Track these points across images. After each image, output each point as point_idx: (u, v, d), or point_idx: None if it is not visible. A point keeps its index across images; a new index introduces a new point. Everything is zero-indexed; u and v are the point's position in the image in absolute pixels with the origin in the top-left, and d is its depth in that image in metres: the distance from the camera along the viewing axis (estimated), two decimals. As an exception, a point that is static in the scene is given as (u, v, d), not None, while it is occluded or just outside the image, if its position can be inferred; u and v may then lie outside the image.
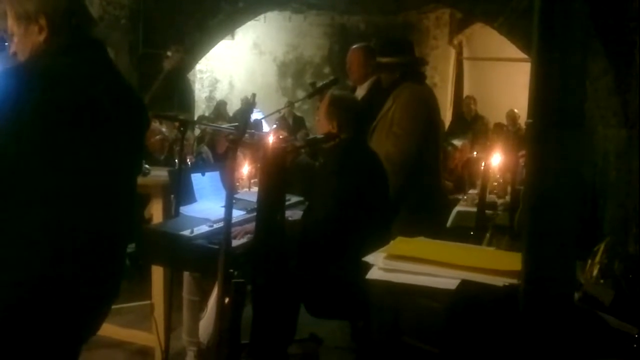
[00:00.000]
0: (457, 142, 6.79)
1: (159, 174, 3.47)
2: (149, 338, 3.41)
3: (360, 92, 3.84)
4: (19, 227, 1.53)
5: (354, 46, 3.97)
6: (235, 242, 2.65)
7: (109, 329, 3.37)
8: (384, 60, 3.65)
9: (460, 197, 5.52)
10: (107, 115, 1.62)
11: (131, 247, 4.89)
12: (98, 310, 1.73)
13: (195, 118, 8.54)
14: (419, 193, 3.48)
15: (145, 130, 1.89)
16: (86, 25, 1.71)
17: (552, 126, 1.43)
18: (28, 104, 1.49)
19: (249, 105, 2.61)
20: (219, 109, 9.94)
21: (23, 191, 1.53)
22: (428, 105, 3.59)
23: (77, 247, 1.59)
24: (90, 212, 1.62)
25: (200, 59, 8.52)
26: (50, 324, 1.57)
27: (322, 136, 2.84)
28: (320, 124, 3.00)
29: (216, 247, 2.51)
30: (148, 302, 3.43)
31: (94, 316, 1.73)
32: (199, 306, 3.28)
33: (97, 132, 1.60)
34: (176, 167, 3.29)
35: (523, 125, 7.76)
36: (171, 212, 3.13)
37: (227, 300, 2.35)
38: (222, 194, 3.11)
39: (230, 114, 9.82)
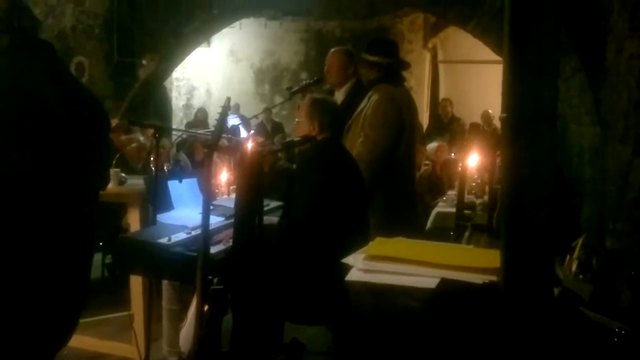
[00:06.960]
0: (434, 144, 6.82)
1: (135, 183, 3.42)
2: (129, 349, 3.36)
3: (339, 96, 3.81)
4: None
5: (334, 49, 3.94)
6: (214, 249, 2.62)
7: (88, 342, 3.31)
8: (369, 57, 3.65)
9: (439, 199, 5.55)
10: (56, 116, 1.57)
11: (109, 258, 4.88)
12: (65, 322, 1.68)
13: (175, 126, 8.46)
14: (386, 195, 3.45)
15: (106, 132, 1.84)
16: (30, 25, 1.68)
17: (525, 118, 1.43)
18: None
19: (225, 108, 2.57)
20: (199, 116, 9.88)
21: None
22: (401, 106, 3.56)
23: (31, 261, 1.53)
24: (44, 220, 1.56)
25: (176, 66, 8.46)
26: (16, 337, 1.52)
27: (298, 139, 2.82)
28: (300, 126, 2.99)
29: (194, 254, 2.47)
30: (127, 312, 3.38)
31: (62, 328, 1.68)
32: (179, 315, 3.24)
33: (45, 134, 1.55)
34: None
35: (499, 125, 7.83)
36: (148, 220, 3.09)
37: (206, 307, 2.32)
38: (200, 200, 3.07)
39: (209, 121, 9.77)
